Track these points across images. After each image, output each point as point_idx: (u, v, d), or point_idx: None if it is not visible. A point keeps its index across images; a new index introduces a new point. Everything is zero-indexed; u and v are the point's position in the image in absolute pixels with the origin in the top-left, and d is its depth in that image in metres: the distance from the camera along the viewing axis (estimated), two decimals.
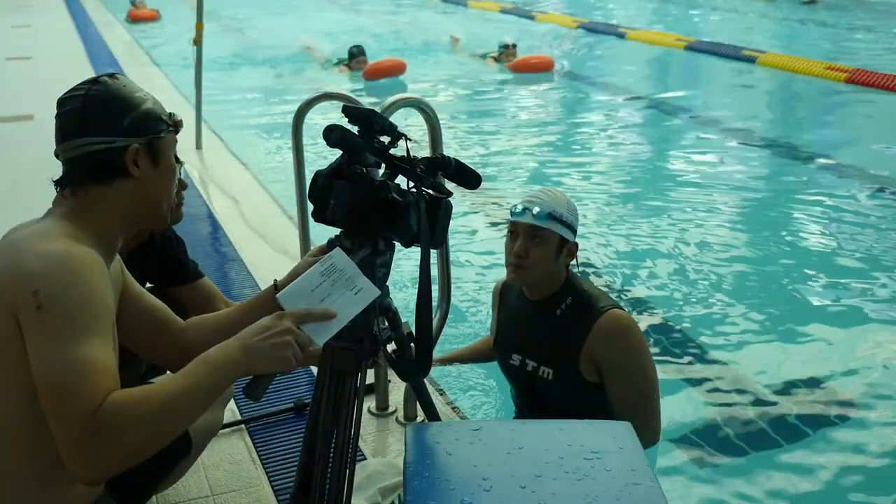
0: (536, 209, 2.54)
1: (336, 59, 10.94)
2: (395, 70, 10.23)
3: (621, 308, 2.60)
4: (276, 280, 1.91)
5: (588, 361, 2.55)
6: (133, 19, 15.01)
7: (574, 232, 2.60)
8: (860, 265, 4.92)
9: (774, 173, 6.66)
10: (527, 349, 2.67)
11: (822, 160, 7.05)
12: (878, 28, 14.16)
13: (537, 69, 10.60)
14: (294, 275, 1.84)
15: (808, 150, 6.75)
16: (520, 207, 2.58)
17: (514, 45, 10.89)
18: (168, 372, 1.87)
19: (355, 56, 10.46)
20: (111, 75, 1.67)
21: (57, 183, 1.65)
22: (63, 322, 1.41)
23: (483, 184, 1.89)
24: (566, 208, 2.58)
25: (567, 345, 2.56)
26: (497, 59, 10.92)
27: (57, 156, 1.66)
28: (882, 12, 15.61)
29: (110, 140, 1.60)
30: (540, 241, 2.54)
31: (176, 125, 1.71)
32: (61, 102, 1.63)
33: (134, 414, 1.36)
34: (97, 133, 1.59)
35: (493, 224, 5.54)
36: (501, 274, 2.76)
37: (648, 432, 2.58)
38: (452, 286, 2.76)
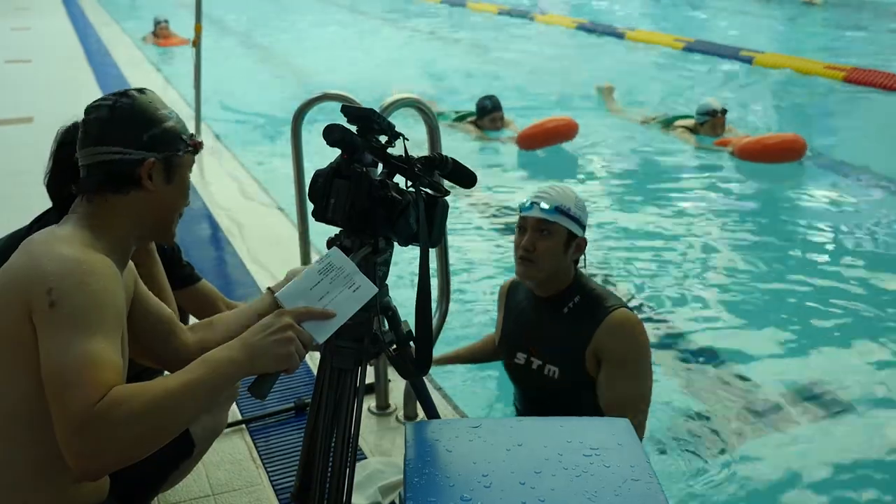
0: (544, 203, 2.57)
1: (455, 114, 7.81)
2: (565, 134, 7.03)
3: (629, 307, 2.61)
4: (269, 287, 1.97)
5: (592, 358, 2.57)
6: (163, 46, 12.12)
7: (583, 228, 2.62)
8: (859, 264, 4.93)
9: (772, 173, 6.66)
10: (533, 347, 2.68)
11: (821, 159, 7.05)
12: (876, 27, 14.18)
13: (778, 156, 6.62)
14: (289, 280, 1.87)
15: (808, 149, 6.77)
16: (528, 202, 2.62)
17: (725, 112, 7.29)
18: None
19: (489, 111, 7.38)
20: (140, 90, 1.72)
21: (75, 188, 1.70)
22: (73, 318, 1.45)
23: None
24: (574, 203, 2.60)
25: (574, 343, 2.57)
26: (694, 131, 7.35)
27: (75, 160, 1.70)
28: (880, 12, 15.62)
29: (127, 151, 1.65)
30: (548, 235, 2.57)
31: (195, 146, 1.75)
32: (88, 109, 1.69)
33: (133, 408, 1.37)
34: (116, 143, 1.64)
35: (494, 224, 5.55)
36: (502, 273, 2.77)
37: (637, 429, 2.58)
38: (452, 285, 2.77)
